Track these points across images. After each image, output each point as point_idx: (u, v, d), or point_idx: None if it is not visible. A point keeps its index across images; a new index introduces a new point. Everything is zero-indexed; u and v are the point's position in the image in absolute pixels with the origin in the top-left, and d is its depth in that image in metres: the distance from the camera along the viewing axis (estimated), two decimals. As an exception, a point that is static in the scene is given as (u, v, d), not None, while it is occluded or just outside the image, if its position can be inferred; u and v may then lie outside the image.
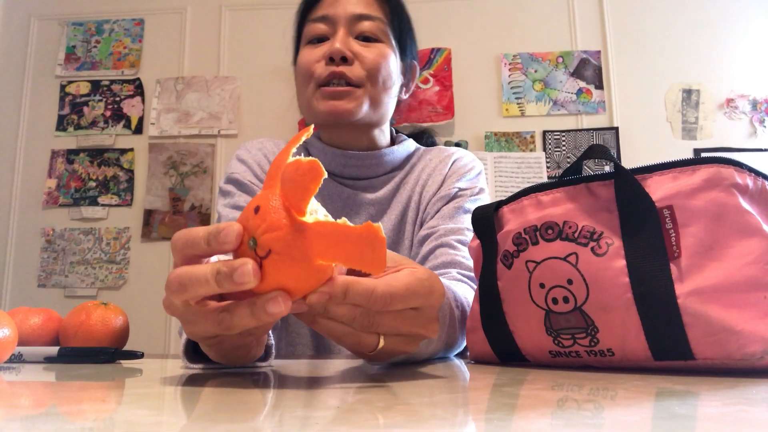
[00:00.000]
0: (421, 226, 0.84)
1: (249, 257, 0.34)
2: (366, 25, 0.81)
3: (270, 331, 0.53)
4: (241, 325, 0.35)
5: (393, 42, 0.84)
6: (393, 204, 0.86)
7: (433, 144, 1.01)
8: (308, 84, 0.81)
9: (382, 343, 0.39)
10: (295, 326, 0.84)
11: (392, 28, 0.84)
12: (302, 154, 0.89)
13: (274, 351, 0.52)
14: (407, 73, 0.90)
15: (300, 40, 0.87)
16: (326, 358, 0.73)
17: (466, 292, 0.66)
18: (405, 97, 0.91)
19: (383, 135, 0.89)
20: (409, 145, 0.92)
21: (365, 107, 0.80)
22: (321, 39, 0.82)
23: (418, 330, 0.40)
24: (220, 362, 0.45)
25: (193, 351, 0.48)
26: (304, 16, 0.86)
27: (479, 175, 0.88)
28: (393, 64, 0.83)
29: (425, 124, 2.43)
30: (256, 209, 0.34)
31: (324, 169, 0.33)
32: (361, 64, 0.80)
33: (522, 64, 2.51)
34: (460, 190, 0.84)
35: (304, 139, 0.38)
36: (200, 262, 0.37)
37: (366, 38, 0.81)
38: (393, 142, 0.93)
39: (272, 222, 0.33)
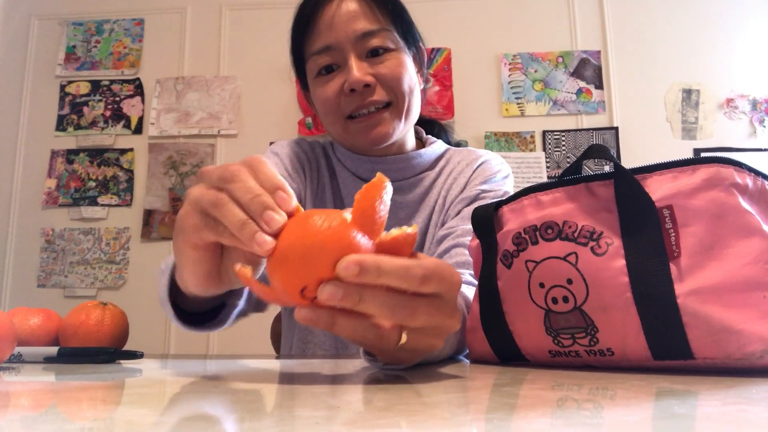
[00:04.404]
0: (442, 226, 0.82)
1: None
2: (374, 42, 0.76)
3: (239, 299, 0.56)
4: (229, 221, 0.36)
5: (401, 42, 0.79)
6: (422, 207, 0.85)
7: (442, 133, 0.99)
8: (335, 118, 0.78)
9: (404, 338, 0.37)
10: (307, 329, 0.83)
11: (397, 29, 0.79)
12: (321, 156, 0.88)
13: (233, 314, 0.55)
14: (417, 59, 0.84)
15: (301, 63, 0.82)
16: (330, 358, 0.73)
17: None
18: (422, 86, 0.86)
19: (410, 135, 0.87)
20: (439, 146, 0.90)
21: (400, 124, 0.78)
22: (330, 68, 0.77)
23: (444, 320, 0.38)
24: (190, 288, 0.45)
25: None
26: (300, 43, 0.80)
27: (506, 179, 0.86)
28: (410, 65, 0.79)
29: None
30: None
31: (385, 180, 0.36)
32: (383, 84, 0.76)
33: (522, 63, 2.51)
34: (483, 192, 0.82)
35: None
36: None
37: (376, 51, 0.76)
38: (422, 142, 0.91)
39: None
